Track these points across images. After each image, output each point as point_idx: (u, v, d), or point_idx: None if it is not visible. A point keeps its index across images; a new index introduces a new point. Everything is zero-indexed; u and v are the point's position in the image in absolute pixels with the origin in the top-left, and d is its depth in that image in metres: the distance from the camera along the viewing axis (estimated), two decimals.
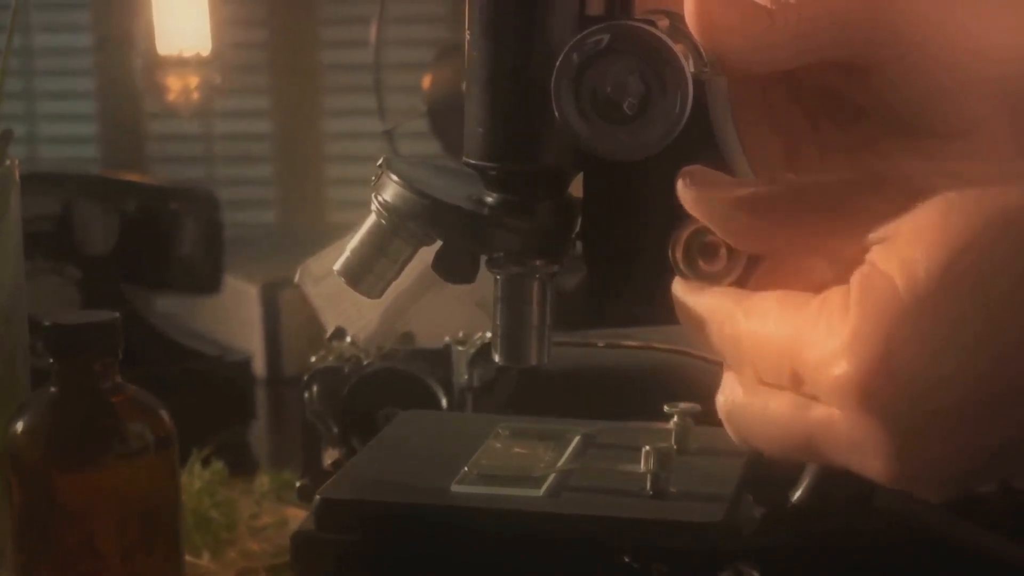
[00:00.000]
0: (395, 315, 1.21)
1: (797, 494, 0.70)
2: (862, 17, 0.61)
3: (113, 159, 2.27)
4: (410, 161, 0.68)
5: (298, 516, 1.00)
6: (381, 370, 0.93)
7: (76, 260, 1.40)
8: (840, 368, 0.52)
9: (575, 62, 0.59)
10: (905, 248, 0.52)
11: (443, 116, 1.42)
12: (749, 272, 0.59)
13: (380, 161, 0.67)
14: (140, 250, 1.44)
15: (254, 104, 2.25)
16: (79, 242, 1.40)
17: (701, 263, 0.60)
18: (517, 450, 0.77)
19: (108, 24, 2.17)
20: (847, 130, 0.64)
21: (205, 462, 1.08)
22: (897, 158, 0.63)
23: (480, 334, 0.92)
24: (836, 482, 0.68)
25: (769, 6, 0.61)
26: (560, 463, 0.76)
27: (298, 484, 0.93)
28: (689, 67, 0.59)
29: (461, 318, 1.07)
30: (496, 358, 0.65)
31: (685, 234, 0.60)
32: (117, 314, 0.82)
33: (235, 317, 1.55)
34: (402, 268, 0.67)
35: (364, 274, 0.67)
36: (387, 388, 0.92)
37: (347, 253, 0.67)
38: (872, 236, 0.54)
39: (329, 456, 0.92)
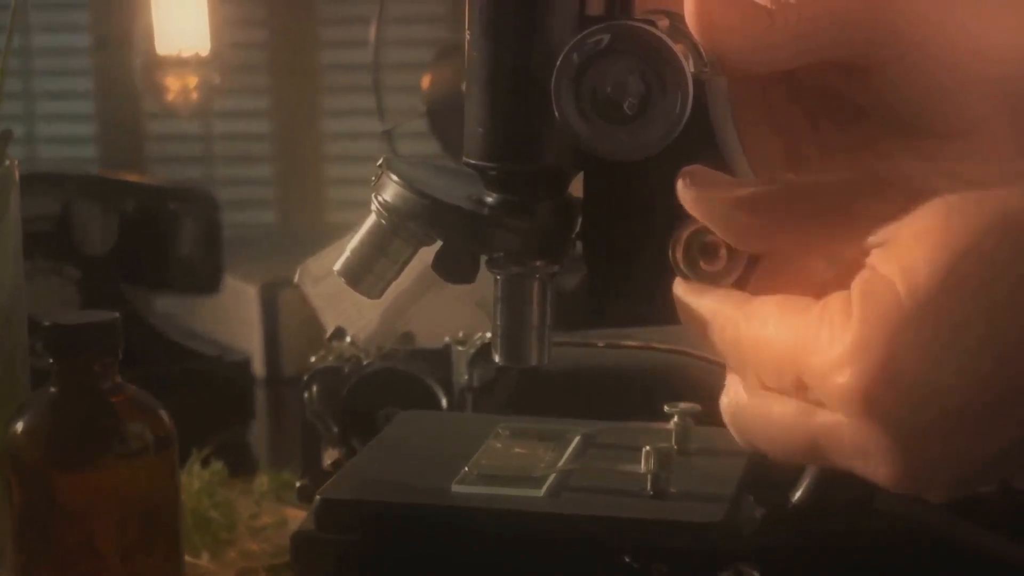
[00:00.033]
0: (395, 315, 1.21)
1: (797, 494, 0.71)
2: (862, 17, 0.61)
3: (112, 159, 2.27)
4: (410, 161, 0.68)
5: (297, 516, 1.00)
6: (381, 370, 0.93)
7: (75, 260, 1.40)
8: (843, 376, 0.52)
9: (575, 62, 0.59)
10: (906, 252, 0.52)
11: (442, 116, 1.42)
12: (749, 272, 0.59)
13: (380, 161, 0.67)
14: (139, 250, 1.44)
15: (253, 104, 2.25)
16: (78, 242, 1.40)
17: (701, 263, 0.60)
18: (517, 450, 0.77)
19: (107, 24, 2.17)
20: (847, 130, 0.64)
21: (204, 462, 1.08)
22: (897, 158, 0.63)
23: (480, 334, 0.92)
24: (836, 483, 0.68)
25: (769, 6, 0.61)
26: (560, 463, 0.76)
27: (298, 484, 0.93)
28: (689, 67, 0.59)
29: (461, 318, 1.07)
30: (496, 358, 0.65)
31: (685, 234, 0.60)
32: (117, 314, 0.82)
33: (234, 317, 1.55)
34: (402, 268, 0.67)
35: (364, 274, 0.67)
36: (387, 388, 0.92)
37: (347, 253, 0.67)
38: (872, 238, 0.54)
39: (329, 456, 0.92)
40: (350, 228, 0.68)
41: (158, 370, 1.26)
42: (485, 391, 0.91)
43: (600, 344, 0.94)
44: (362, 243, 0.66)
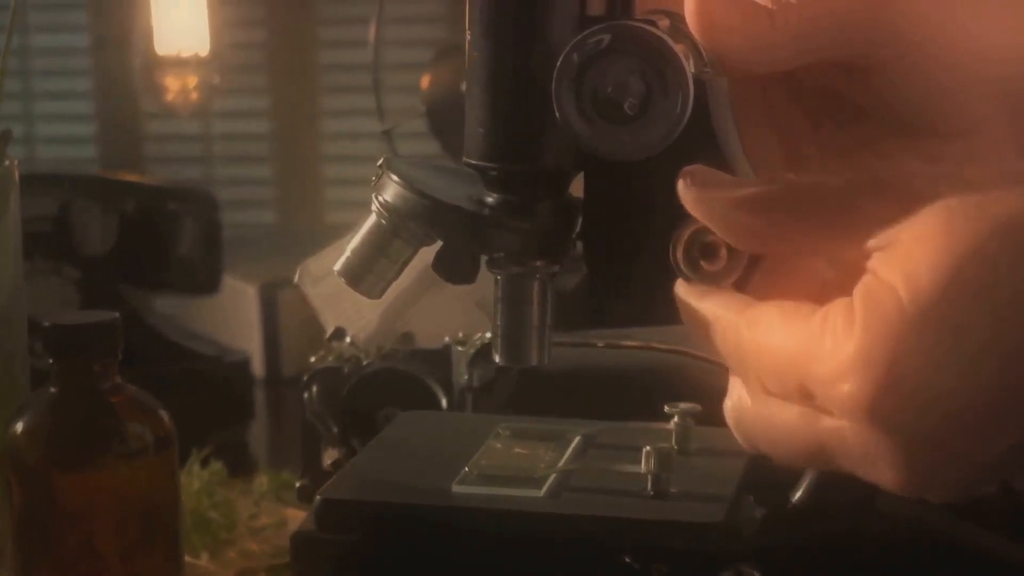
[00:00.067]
0: (395, 315, 1.21)
1: (798, 495, 0.71)
2: (862, 17, 0.61)
3: (111, 159, 2.27)
4: (410, 161, 0.68)
5: (297, 516, 1.00)
6: (381, 370, 0.93)
7: (75, 260, 1.40)
8: (848, 384, 0.52)
9: (576, 62, 0.59)
10: (907, 257, 0.52)
11: (442, 116, 1.42)
12: (750, 272, 0.59)
13: (380, 161, 0.66)
14: (139, 250, 1.44)
15: (253, 104, 2.25)
16: (78, 242, 1.40)
17: (702, 263, 0.60)
18: (518, 450, 0.77)
19: (106, 24, 2.17)
20: (847, 130, 0.64)
21: (204, 462, 1.08)
22: (897, 159, 0.63)
23: (480, 334, 0.92)
24: (837, 483, 0.68)
25: (769, 6, 0.61)
26: (561, 463, 0.76)
27: (298, 484, 0.93)
28: (690, 67, 0.59)
29: (461, 318, 1.07)
30: (496, 358, 0.65)
31: (686, 234, 0.60)
32: (117, 314, 0.82)
33: (234, 317, 1.55)
34: (402, 268, 0.67)
35: (364, 274, 0.67)
36: (387, 388, 0.92)
37: (347, 253, 0.67)
38: (872, 241, 0.54)
39: (329, 456, 0.92)
40: (350, 228, 0.68)
41: (157, 370, 1.26)
42: (485, 391, 0.91)
43: (600, 344, 0.94)
44: (362, 243, 0.66)
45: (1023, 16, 0.63)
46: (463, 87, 0.64)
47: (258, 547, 1.02)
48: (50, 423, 0.81)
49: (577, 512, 0.71)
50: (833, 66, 0.63)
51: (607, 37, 0.59)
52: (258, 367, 1.52)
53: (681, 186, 0.58)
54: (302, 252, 1.35)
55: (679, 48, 0.59)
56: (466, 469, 0.74)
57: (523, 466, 0.75)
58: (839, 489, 0.69)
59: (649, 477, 0.72)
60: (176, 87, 1.68)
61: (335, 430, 0.92)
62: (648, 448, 0.72)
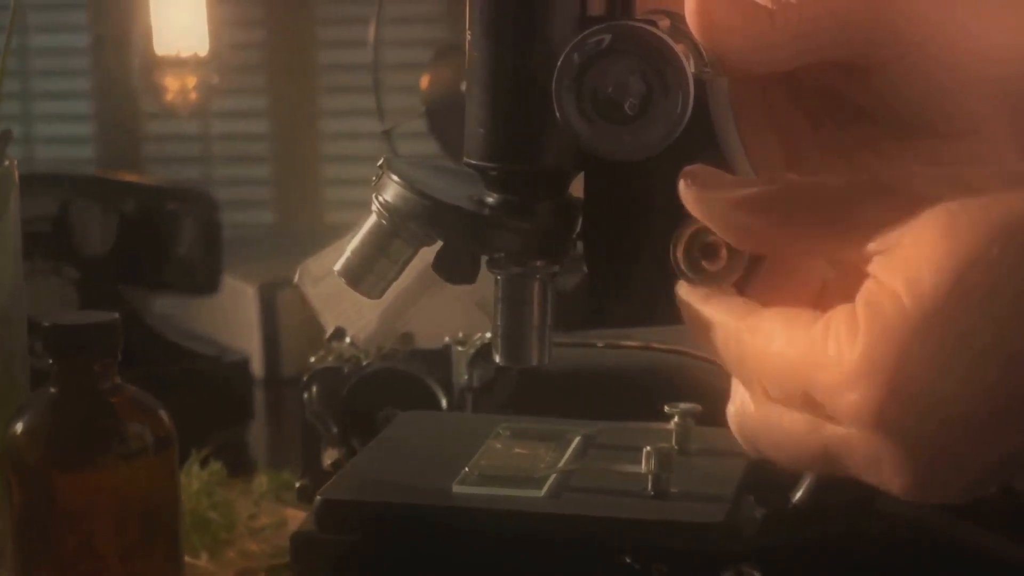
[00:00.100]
0: (394, 315, 1.21)
1: (798, 495, 0.71)
2: (862, 17, 0.61)
3: (110, 159, 2.27)
4: (410, 161, 0.68)
5: (297, 517, 1.00)
6: (381, 370, 0.93)
7: (74, 261, 1.40)
8: (854, 392, 0.52)
9: (576, 62, 0.59)
10: (909, 262, 0.52)
11: (441, 116, 1.42)
12: (751, 272, 0.59)
13: (381, 161, 0.66)
14: (138, 250, 1.44)
15: (252, 104, 2.25)
16: (77, 243, 1.40)
17: (702, 263, 0.59)
18: (518, 451, 0.77)
19: (105, 24, 2.17)
20: (847, 130, 0.64)
21: (203, 463, 1.08)
22: (897, 159, 0.63)
23: (480, 334, 0.92)
24: (837, 483, 0.68)
25: (770, 6, 0.61)
26: (561, 464, 0.76)
27: (298, 485, 0.93)
28: (690, 67, 0.59)
29: (461, 318, 1.07)
30: (497, 358, 0.65)
31: (686, 234, 0.60)
32: (117, 315, 0.82)
33: (233, 317, 1.55)
34: (403, 269, 0.67)
35: (365, 275, 0.67)
36: (387, 389, 0.92)
37: (347, 254, 0.67)
38: (872, 244, 0.53)
39: (328, 456, 0.92)
40: (349, 228, 0.68)
41: (157, 370, 1.26)
42: (485, 391, 0.91)
43: (600, 344, 0.94)
44: (362, 243, 0.66)
45: (1023, 16, 0.63)
46: (463, 87, 0.64)
47: (258, 547, 1.02)
48: (50, 423, 0.81)
49: (577, 512, 0.71)
50: (833, 66, 0.63)
51: (607, 37, 0.59)
52: (258, 367, 1.52)
53: (682, 186, 0.58)
54: (301, 252, 1.35)
55: (679, 48, 0.59)
56: (466, 469, 0.74)
57: (523, 466, 0.75)
58: (839, 489, 0.69)
59: (649, 477, 0.72)
60: (175, 87, 1.68)
61: (335, 430, 0.92)
62: (648, 448, 0.72)
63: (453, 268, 0.65)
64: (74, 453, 0.81)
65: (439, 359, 0.93)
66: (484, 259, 0.65)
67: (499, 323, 0.65)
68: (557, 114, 0.60)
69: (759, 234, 0.57)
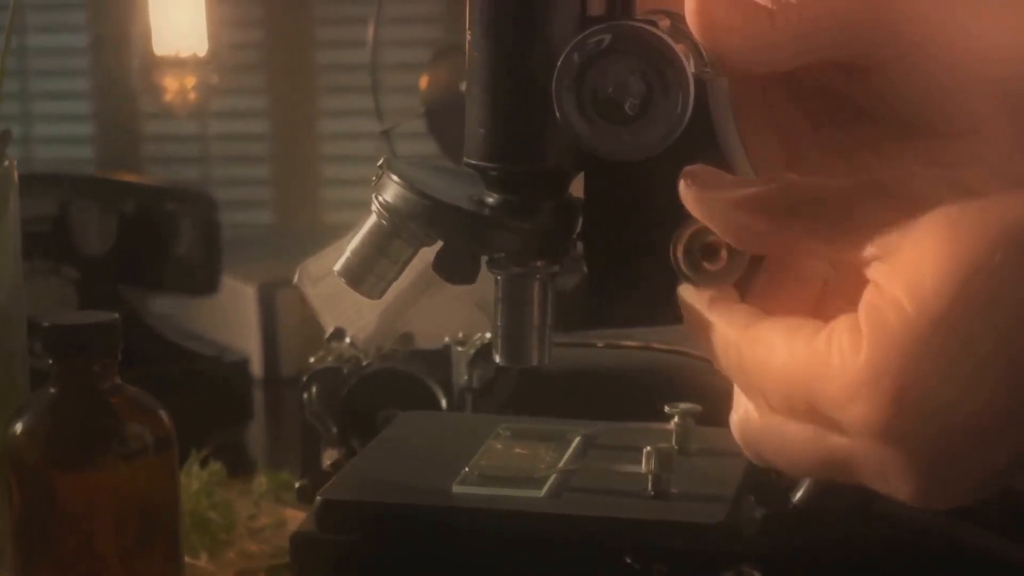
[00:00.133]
0: (394, 316, 1.21)
1: (798, 495, 0.71)
2: (863, 17, 0.61)
3: (109, 160, 2.27)
4: (410, 161, 0.68)
5: (296, 517, 1.00)
6: (380, 371, 0.93)
7: (73, 261, 1.40)
8: (860, 404, 0.52)
9: (576, 62, 0.59)
10: (911, 269, 0.52)
11: (440, 116, 1.42)
12: (751, 272, 0.59)
13: (381, 161, 0.66)
14: (137, 251, 1.44)
15: (251, 104, 2.25)
16: (76, 243, 1.40)
17: (703, 263, 0.59)
18: (518, 451, 0.77)
19: (104, 24, 2.17)
20: (847, 130, 0.64)
21: (203, 463, 1.08)
22: (897, 159, 0.63)
23: (480, 335, 0.92)
24: (837, 485, 0.68)
25: (770, 6, 0.61)
26: (561, 464, 0.76)
27: (297, 485, 0.93)
28: (690, 67, 0.59)
29: (460, 319, 1.07)
30: (497, 359, 0.65)
31: (686, 234, 0.60)
32: (116, 315, 0.82)
33: (232, 318, 1.55)
34: (403, 269, 0.67)
35: (365, 275, 0.66)
36: (386, 389, 0.92)
37: (347, 254, 0.67)
38: (872, 247, 0.53)
39: (328, 457, 0.92)
40: (348, 228, 0.68)
41: (156, 370, 1.26)
42: (485, 392, 0.91)
43: (600, 344, 0.94)
44: (363, 244, 0.66)
45: (1023, 16, 0.63)
46: (462, 87, 0.64)
47: (257, 547, 1.02)
48: (50, 423, 0.81)
49: (578, 512, 0.71)
50: (833, 66, 0.62)
51: (608, 37, 0.59)
52: (257, 367, 1.52)
53: (682, 186, 0.58)
54: (300, 252, 1.35)
55: (680, 48, 0.59)
56: (466, 469, 0.74)
57: (523, 466, 0.75)
58: (839, 490, 0.69)
59: (650, 477, 0.72)
60: (174, 87, 1.68)
61: (334, 431, 0.92)
62: (648, 448, 0.72)
63: (453, 268, 0.65)
64: (74, 453, 0.81)
65: (439, 359, 0.93)
66: (484, 259, 0.65)
67: (499, 323, 0.65)
68: (557, 114, 0.60)
69: (759, 234, 0.57)
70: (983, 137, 0.62)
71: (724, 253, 0.59)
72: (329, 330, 1.01)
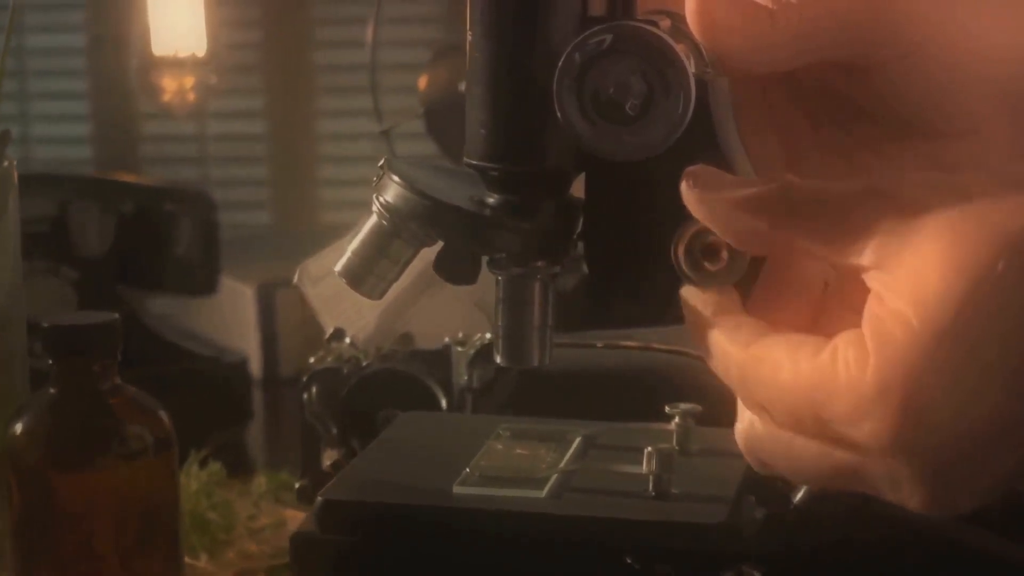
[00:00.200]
0: (394, 316, 1.21)
1: (799, 495, 0.70)
2: (863, 17, 0.61)
3: (107, 160, 2.27)
4: (411, 162, 0.68)
5: (296, 517, 1.00)
6: (380, 371, 0.93)
7: (72, 261, 1.40)
8: (870, 421, 0.52)
9: (577, 62, 0.59)
10: (914, 281, 0.52)
11: (440, 117, 1.42)
12: (752, 273, 0.59)
13: (381, 162, 0.66)
14: (136, 251, 1.44)
15: (249, 105, 2.25)
16: (75, 243, 1.40)
17: (704, 264, 0.59)
18: (518, 451, 0.77)
19: (103, 25, 2.17)
20: (847, 130, 0.64)
21: (202, 463, 1.08)
22: (897, 159, 0.63)
23: (480, 335, 0.92)
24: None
25: (770, 6, 0.61)
26: (562, 464, 0.76)
27: (297, 485, 0.93)
28: (691, 67, 0.59)
29: (460, 319, 1.07)
30: (497, 359, 0.65)
31: (687, 234, 0.60)
32: (116, 315, 0.82)
33: (231, 318, 1.55)
34: (403, 269, 0.67)
35: (365, 275, 0.66)
36: (386, 389, 0.92)
37: (348, 254, 0.67)
38: (871, 253, 0.53)
39: (328, 457, 0.92)
40: (346, 229, 0.68)
41: (155, 371, 1.25)
42: (485, 392, 0.91)
43: (600, 344, 0.94)
44: (363, 244, 0.66)
45: (1023, 16, 0.63)
46: (461, 87, 0.64)
47: (257, 548, 1.02)
48: (50, 424, 0.81)
49: (578, 513, 0.71)
50: (833, 66, 0.62)
51: (609, 37, 0.59)
52: (256, 368, 1.52)
53: (684, 187, 0.58)
54: (299, 253, 1.35)
55: (680, 48, 0.59)
56: (467, 470, 0.74)
57: (524, 467, 0.75)
58: (840, 491, 0.69)
59: (650, 478, 0.72)
60: (173, 88, 1.68)
61: (334, 431, 0.92)
62: (649, 449, 0.72)
63: (454, 268, 0.65)
64: (74, 453, 0.81)
65: (439, 359, 0.93)
66: (484, 260, 0.65)
67: (500, 324, 0.65)
68: (558, 114, 0.60)
69: (759, 235, 0.57)
70: (983, 137, 0.62)
71: (725, 253, 0.59)
72: (329, 330, 1.01)
